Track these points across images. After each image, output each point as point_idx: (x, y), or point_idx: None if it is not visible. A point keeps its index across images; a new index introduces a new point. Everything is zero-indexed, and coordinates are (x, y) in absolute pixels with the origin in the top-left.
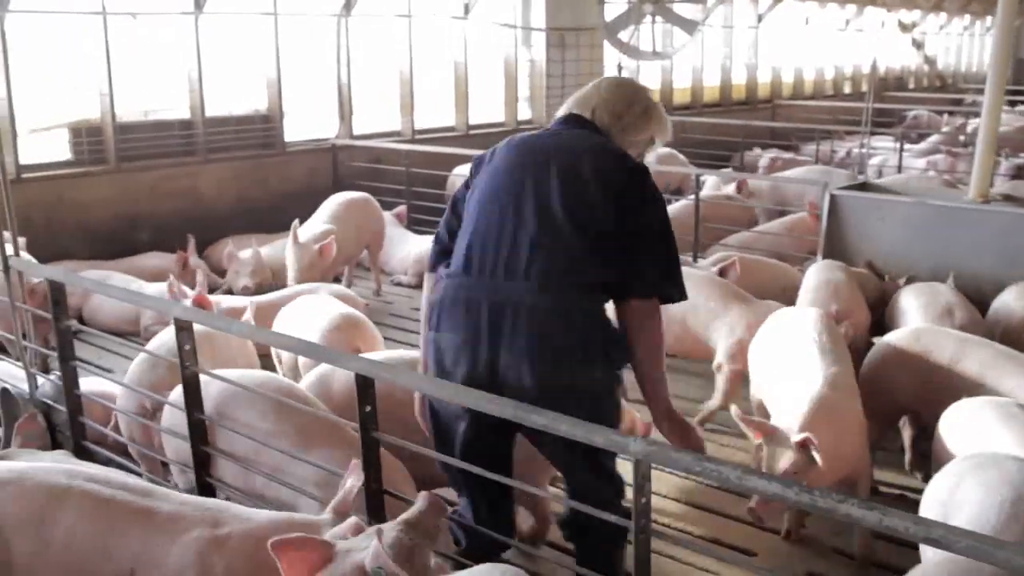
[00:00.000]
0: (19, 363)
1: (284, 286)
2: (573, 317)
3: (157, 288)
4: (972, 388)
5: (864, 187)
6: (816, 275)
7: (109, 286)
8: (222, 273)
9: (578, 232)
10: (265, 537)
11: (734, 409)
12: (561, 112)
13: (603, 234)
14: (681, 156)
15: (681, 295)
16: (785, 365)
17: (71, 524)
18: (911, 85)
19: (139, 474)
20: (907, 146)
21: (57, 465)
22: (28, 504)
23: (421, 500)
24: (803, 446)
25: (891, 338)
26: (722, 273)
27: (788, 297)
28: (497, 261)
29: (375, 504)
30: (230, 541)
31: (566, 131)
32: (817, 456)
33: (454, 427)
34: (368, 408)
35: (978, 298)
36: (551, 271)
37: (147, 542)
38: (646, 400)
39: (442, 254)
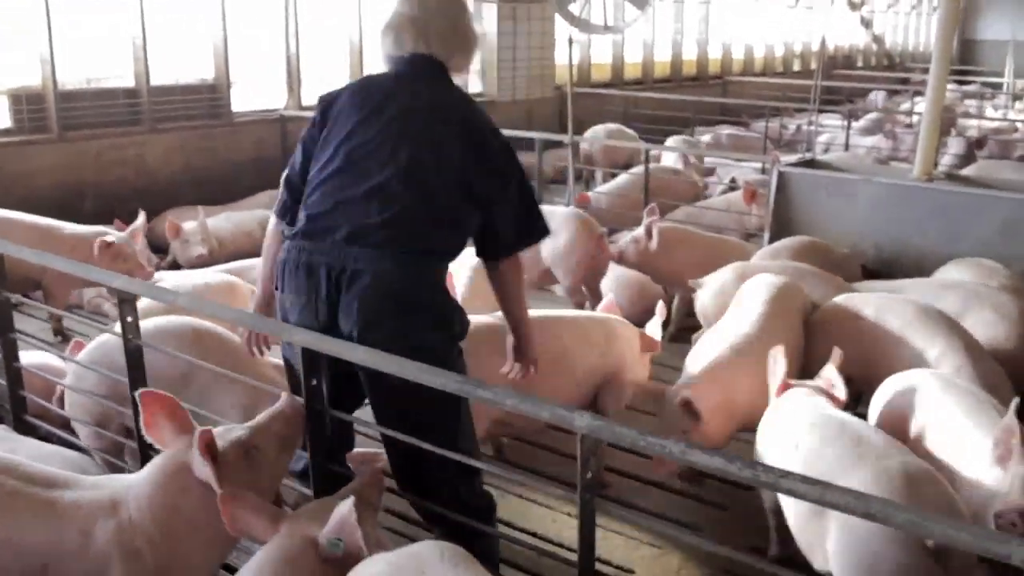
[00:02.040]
0: None
1: (231, 259)
2: (414, 285)
3: None
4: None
5: (812, 164)
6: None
7: (53, 256)
8: (164, 249)
9: (426, 200)
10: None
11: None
12: (394, 46)
13: (456, 198)
14: (630, 131)
15: (543, 233)
16: (719, 326)
17: None
18: (859, 63)
19: (80, 449)
20: (854, 124)
21: None
22: None
23: (280, 401)
24: (686, 406)
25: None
26: (648, 232)
27: None
28: (340, 226)
29: (321, 478)
30: (137, 521)
31: (412, 77)
32: (700, 414)
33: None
34: (314, 382)
35: (919, 274)
36: (396, 239)
37: (55, 536)
38: (516, 341)
39: (294, 203)
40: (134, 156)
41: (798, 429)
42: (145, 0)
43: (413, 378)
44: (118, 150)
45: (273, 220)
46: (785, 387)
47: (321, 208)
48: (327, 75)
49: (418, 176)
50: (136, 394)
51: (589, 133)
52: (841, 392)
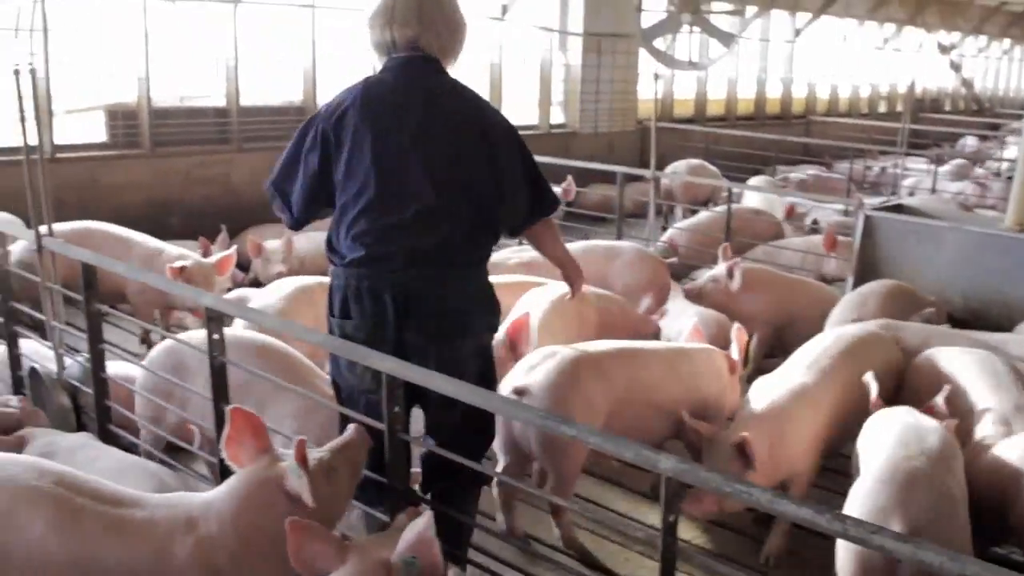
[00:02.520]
0: (49, 343)
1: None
2: (472, 296)
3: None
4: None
5: (898, 208)
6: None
7: (143, 271)
8: (246, 267)
9: (469, 214)
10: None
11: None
12: (377, 36)
13: (489, 200)
14: (712, 168)
15: (554, 201)
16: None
17: (40, 535)
18: (947, 107)
19: (162, 461)
20: (941, 169)
21: (28, 459)
22: None
23: (350, 431)
24: (741, 449)
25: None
26: (729, 272)
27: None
28: (396, 252)
29: (399, 508)
30: (218, 537)
31: (414, 82)
32: (753, 459)
33: (357, 399)
34: (396, 409)
35: (1010, 327)
36: (451, 259)
37: (127, 554)
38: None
39: (301, 213)
40: (221, 174)
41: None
42: (239, 23)
43: (501, 412)
44: (206, 168)
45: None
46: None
47: (372, 237)
48: None
49: (455, 193)
50: (226, 409)
51: (670, 168)
52: (943, 415)
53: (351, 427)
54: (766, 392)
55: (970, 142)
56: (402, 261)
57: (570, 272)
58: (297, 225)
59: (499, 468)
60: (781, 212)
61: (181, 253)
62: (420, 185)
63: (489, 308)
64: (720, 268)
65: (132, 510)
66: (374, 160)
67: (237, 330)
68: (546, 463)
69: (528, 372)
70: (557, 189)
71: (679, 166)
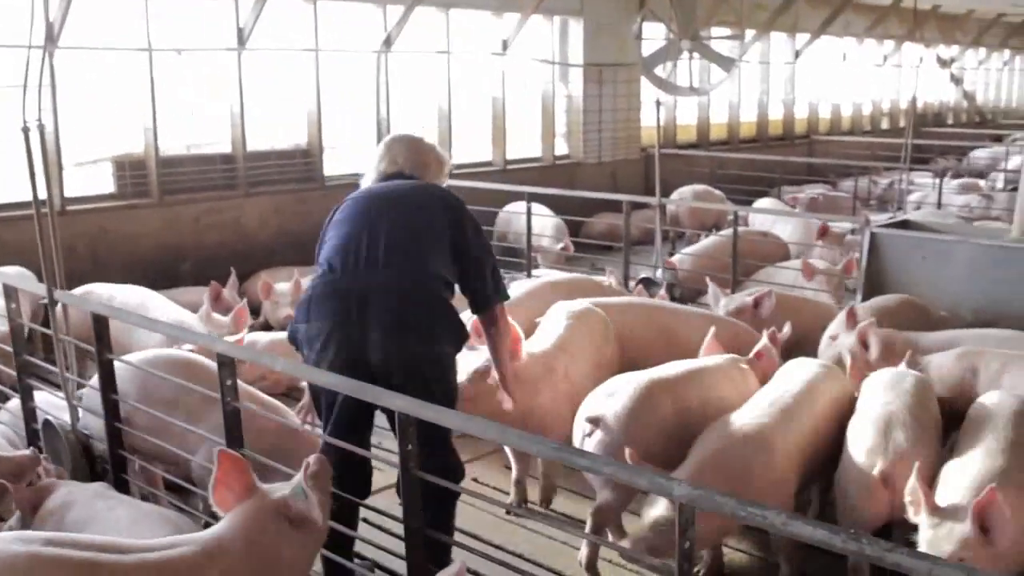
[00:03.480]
0: (62, 394)
1: None
2: (423, 298)
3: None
4: None
5: (904, 224)
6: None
7: (153, 320)
8: (257, 308)
9: (418, 238)
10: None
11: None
12: (375, 174)
13: (439, 244)
14: (718, 192)
15: (503, 296)
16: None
17: None
18: (950, 121)
19: (179, 508)
20: (950, 183)
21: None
22: None
23: (314, 461)
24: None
25: None
26: (756, 303)
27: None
28: (358, 260)
29: (414, 546)
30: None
31: (393, 182)
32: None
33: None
34: (409, 447)
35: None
36: (402, 262)
37: None
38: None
39: None
40: (231, 219)
41: None
42: (243, 70)
43: (516, 446)
44: (216, 213)
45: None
46: None
47: (341, 254)
48: None
49: (415, 227)
50: (215, 452)
51: (676, 195)
52: None
53: (314, 457)
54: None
55: (982, 154)
56: (363, 268)
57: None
58: None
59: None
60: (791, 231)
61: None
62: (380, 228)
63: (448, 318)
64: (744, 298)
65: (142, 555)
66: (351, 216)
67: (166, 349)
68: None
69: (606, 399)
70: (559, 246)
71: (684, 192)
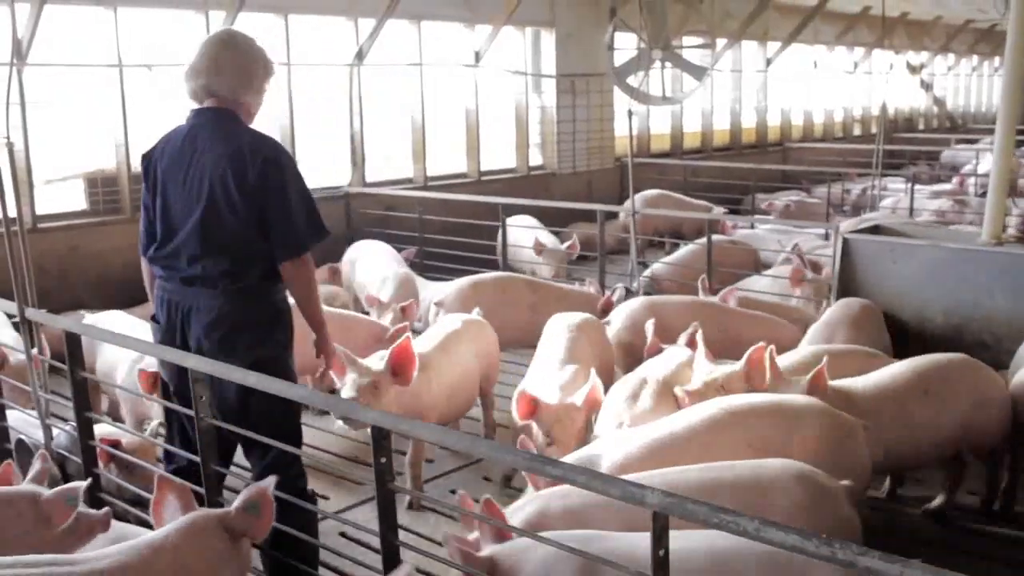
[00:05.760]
0: (35, 413)
1: None
2: (241, 311)
3: None
4: None
5: (876, 230)
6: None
7: (127, 337)
8: None
9: (235, 240)
10: None
11: None
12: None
13: (251, 231)
14: (678, 196)
15: (321, 235)
16: None
17: None
18: (921, 126)
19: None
20: (918, 187)
21: None
22: None
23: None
24: None
25: None
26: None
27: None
28: (177, 269)
29: (390, 557)
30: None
31: (203, 127)
32: None
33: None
34: (383, 460)
35: (992, 341)
36: (218, 278)
37: None
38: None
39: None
40: None
41: None
42: None
43: (488, 457)
44: None
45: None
46: None
47: (160, 269)
48: (391, 152)
49: (214, 231)
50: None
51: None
52: None
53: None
54: None
55: (953, 155)
56: (179, 282)
57: (319, 340)
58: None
59: None
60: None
61: None
62: (191, 225)
63: (269, 321)
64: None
65: (92, 564)
66: (163, 208)
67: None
68: None
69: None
70: (563, 246)
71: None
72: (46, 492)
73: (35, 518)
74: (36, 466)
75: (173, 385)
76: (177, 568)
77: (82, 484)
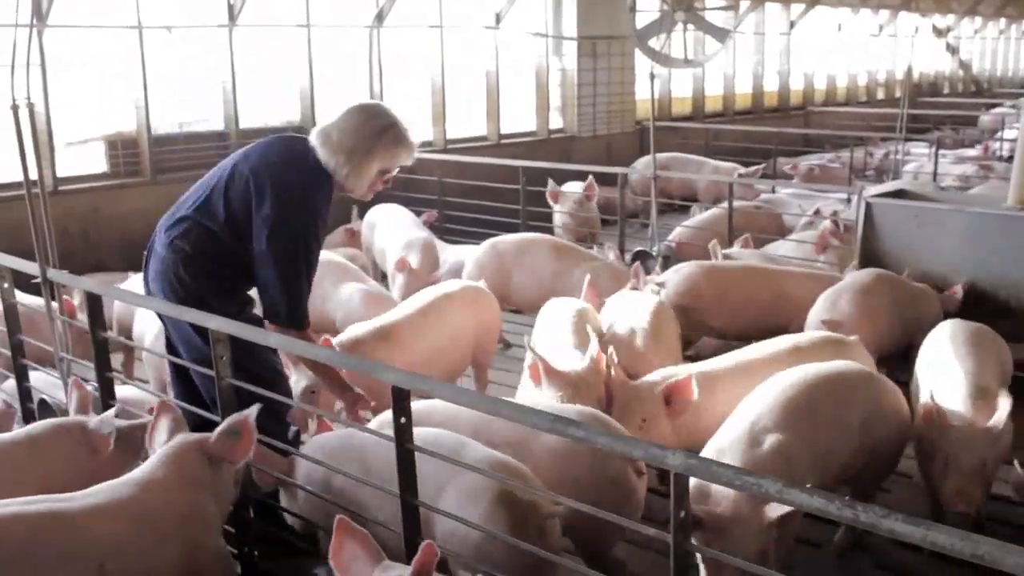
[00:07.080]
0: (57, 374)
1: None
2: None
3: None
4: None
5: (900, 194)
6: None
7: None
8: None
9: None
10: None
11: None
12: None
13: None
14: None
15: (293, 322)
16: None
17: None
18: (946, 90)
19: None
20: (942, 151)
21: None
22: None
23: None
24: None
25: None
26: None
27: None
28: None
29: (411, 518)
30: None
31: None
32: None
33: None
34: (403, 420)
35: (1018, 306)
36: (184, 241)
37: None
38: None
39: None
40: None
41: None
42: (235, 47)
43: (510, 418)
44: None
45: None
46: None
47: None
48: (411, 115)
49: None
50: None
51: (639, 164)
52: None
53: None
54: None
55: (986, 120)
56: (161, 234)
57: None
58: None
59: None
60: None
61: None
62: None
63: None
64: None
65: (90, 499)
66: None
67: None
68: None
69: None
70: (578, 187)
71: (646, 162)
72: (91, 420)
73: (88, 445)
74: (75, 394)
75: (185, 349)
76: (167, 498)
77: (111, 412)
